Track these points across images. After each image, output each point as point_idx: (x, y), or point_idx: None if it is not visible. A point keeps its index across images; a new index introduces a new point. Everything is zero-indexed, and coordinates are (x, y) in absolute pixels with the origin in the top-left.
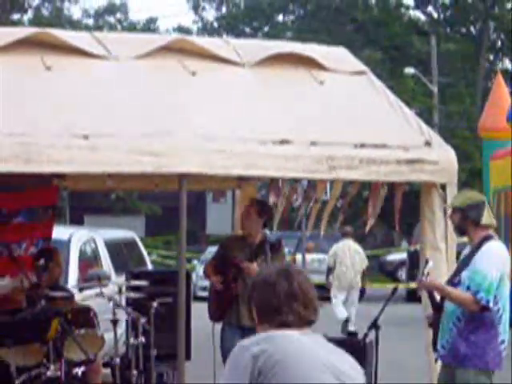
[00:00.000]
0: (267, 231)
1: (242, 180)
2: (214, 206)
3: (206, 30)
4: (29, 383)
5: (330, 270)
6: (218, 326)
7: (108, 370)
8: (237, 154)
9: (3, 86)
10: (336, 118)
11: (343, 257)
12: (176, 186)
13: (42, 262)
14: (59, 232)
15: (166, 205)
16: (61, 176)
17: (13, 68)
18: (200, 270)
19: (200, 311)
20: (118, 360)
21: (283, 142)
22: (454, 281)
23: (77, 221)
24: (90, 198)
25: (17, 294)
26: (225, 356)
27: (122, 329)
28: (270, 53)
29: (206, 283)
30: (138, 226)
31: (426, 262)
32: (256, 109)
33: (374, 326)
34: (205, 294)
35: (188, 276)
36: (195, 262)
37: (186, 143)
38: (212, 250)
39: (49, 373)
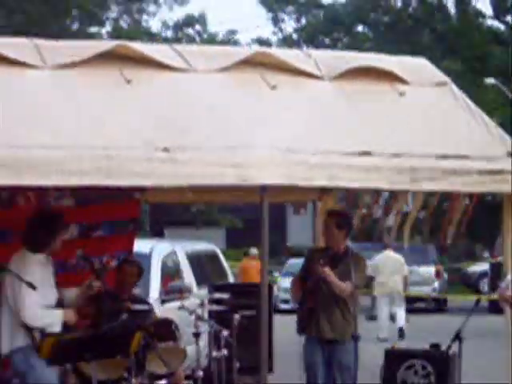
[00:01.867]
0: (349, 242)
1: (323, 192)
2: (295, 218)
3: (286, 41)
4: None
5: (371, 279)
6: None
7: (190, 383)
8: (318, 165)
9: (84, 99)
10: (417, 130)
11: (383, 267)
12: (257, 198)
13: (100, 266)
14: (141, 245)
15: (246, 217)
16: (142, 189)
17: (93, 82)
18: (281, 282)
19: (281, 324)
20: (200, 373)
21: (365, 153)
22: None
23: (157, 233)
24: (170, 210)
25: (95, 308)
26: (307, 369)
27: (204, 341)
28: (350, 66)
29: (288, 296)
30: (219, 238)
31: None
32: (337, 121)
33: (457, 337)
34: (286, 306)
35: (270, 288)
36: (276, 274)
37: (268, 155)
38: (293, 262)
39: None
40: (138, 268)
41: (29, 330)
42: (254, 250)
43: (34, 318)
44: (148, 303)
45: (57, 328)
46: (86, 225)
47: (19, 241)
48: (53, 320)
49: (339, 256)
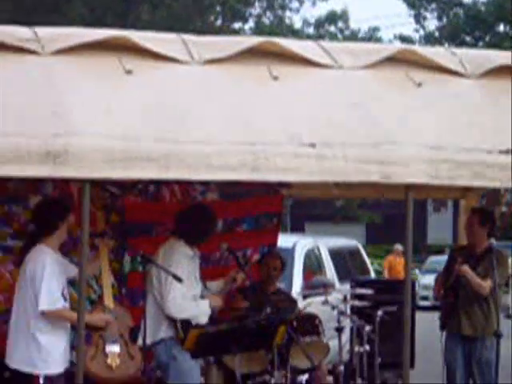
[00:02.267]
0: (493, 240)
1: (467, 190)
2: (435, 216)
3: (428, 39)
4: None
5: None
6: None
7: (331, 378)
8: (463, 163)
9: (231, 95)
10: None
11: None
12: (401, 195)
13: (241, 257)
14: (284, 240)
15: (386, 213)
16: (287, 184)
17: (240, 77)
18: (421, 279)
19: (420, 321)
20: (341, 368)
21: (508, 152)
22: None
23: (298, 228)
24: (311, 206)
25: (239, 301)
26: (447, 365)
27: (346, 337)
28: (494, 64)
29: (427, 293)
30: (358, 234)
31: None
32: (481, 119)
33: None
34: (425, 303)
35: (413, 285)
36: (417, 271)
37: (413, 153)
38: (433, 259)
39: (273, 380)
40: (280, 261)
41: (172, 321)
42: (399, 246)
43: (178, 309)
44: (292, 297)
45: (203, 319)
46: (230, 219)
47: (163, 234)
48: (198, 311)
49: (481, 253)
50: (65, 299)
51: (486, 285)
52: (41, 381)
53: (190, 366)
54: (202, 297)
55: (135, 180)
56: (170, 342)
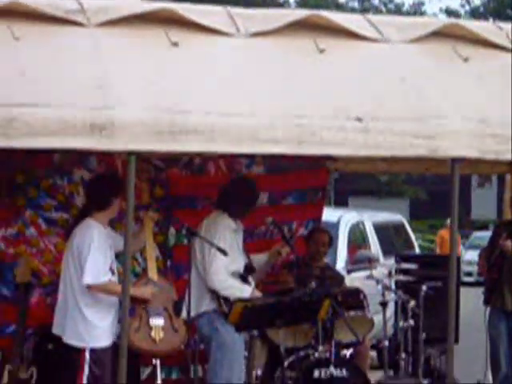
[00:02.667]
0: None
1: None
2: (479, 191)
3: (473, 13)
4: (297, 364)
5: None
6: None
7: (375, 353)
8: (510, 138)
9: (277, 68)
10: None
11: None
12: (446, 170)
13: (287, 231)
14: (328, 214)
15: (430, 188)
16: (333, 158)
17: (286, 50)
18: (465, 255)
19: (464, 296)
20: (386, 343)
21: None
22: None
23: (341, 203)
24: (354, 180)
25: (285, 275)
26: (491, 340)
27: (390, 311)
28: None
29: (471, 269)
30: (402, 209)
31: None
32: None
33: None
34: (469, 279)
35: (458, 260)
36: (460, 247)
37: (460, 127)
38: (477, 235)
39: (317, 354)
40: (329, 237)
41: (215, 294)
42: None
43: (220, 284)
44: (339, 273)
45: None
46: (275, 193)
47: (207, 208)
48: (240, 293)
49: None
50: (112, 273)
51: None
52: (87, 354)
53: (233, 339)
54: (249, 269)
55: (180, 154)
56: (212, 315)
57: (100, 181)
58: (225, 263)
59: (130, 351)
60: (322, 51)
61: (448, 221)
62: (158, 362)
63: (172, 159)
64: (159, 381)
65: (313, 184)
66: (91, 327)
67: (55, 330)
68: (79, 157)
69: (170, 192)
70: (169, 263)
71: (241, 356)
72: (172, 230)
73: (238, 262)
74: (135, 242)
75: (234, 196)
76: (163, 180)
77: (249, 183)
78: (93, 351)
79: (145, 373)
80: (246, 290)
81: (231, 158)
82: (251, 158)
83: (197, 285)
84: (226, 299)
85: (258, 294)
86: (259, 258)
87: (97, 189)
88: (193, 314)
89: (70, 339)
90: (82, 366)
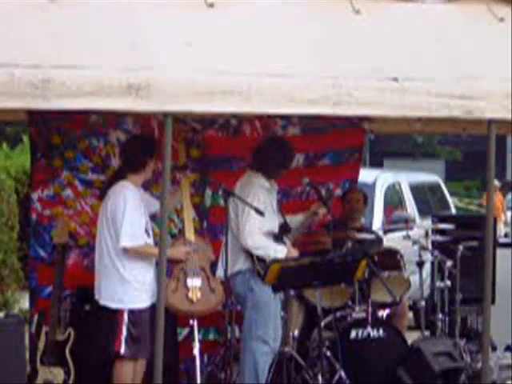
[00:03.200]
0: None
1: None
2: None
3: None
4: (334, 324)
5: None
6: None
7: (411, 313)
8: None
9: (312, 29)
10: None
11: None
12: (482, 130)
13: (325, 192)
14: (364, 175)
15: (466, 150)
16: (368, 118)
17: (321, 11)
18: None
19: (501, 257)
20: (422, 303)
21: None
22: None
23: (376, 164)
24: (389, 141)
25: (322, 235)
26: None
27: (427, 272)
28: None
29: (508, 230)
30: (438, 171)
31: None
32: None
33: None
34: (506, 240)
35: (494, 221)
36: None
37: (496, 88)
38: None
39: (354, 314)
40: (363, 196)
41: (249, 254)
42: (497, 182)
43: (254, 244)
44: (376, 234)
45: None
46: (311, 154)
47: (243, 169)
48: (274, 254)
49: None
50: (148, 235)
51: None
52: (125, 315)
53: (268, 299)
54: (284, 228)
55: (216, 115)
56: (247, 274)
57: (135, 142)
58: (259, 223)
59: (167, 312)
60: (357, 12)
61: (496, 182)
62: (196, 322)
63: (208, 121)
64: (197, 341)
65: (349, 145)
66: (129, 288)
67: (97, 296)
68: (115, 118)
69: (206, 153)
70: (205, 224)
71: (276, 315)
72: (208, 191)
73: (273, 222)
74: (170, 201)
75: (267, 156)
76: (199, 141)
77: (282, 143)
78: (131, 312)
79: (182, 334)
80: (280, 250)
81: (267, 119)
82: (287, 119)
83: (232, 244)
84: (261, 259)
85: (295, 252)
86: (297, 219)
87: (132, 151)
88: (228, 272)
89: (108, 301)
90: (121, 327)
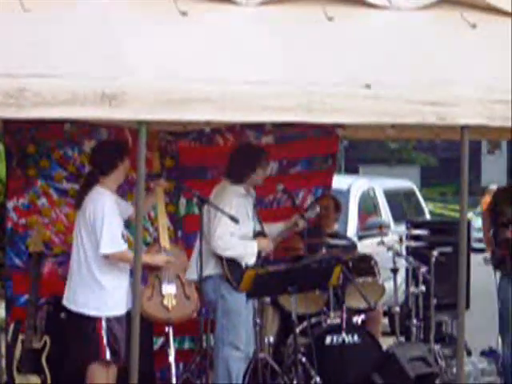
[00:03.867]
0: None
1: None
2: (489, 158)
3: None
4: (309, 330)
5: None
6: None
7: (386, 319)
8: None
9: (285, 36)
10: None
11: None
12: (456, 136)
13: (309, 203)
14: (339, 181)
15: (441, 156)
16: (341, 125)
17: (294, 19)
18: (475, 221)
19: (476, 262)
20: (397, 309)
21: None
22: None
23: (352, 170)
24: (365, 148)
25: (296, 241)
26: (501, 305)
27: (401, 277)
28: None
29: (482, 235)
30: (413, 177)
31: None
32: None
33: None
34: (480, 245)
35: (469, 226)
36: (471, 213)
37: (469, 94)
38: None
39: (329, 320)
40: (334, 202)
41: (219, 258)
42: (494, 186)
43: (223, 246)
44: (349, 239)
45: (250, 260)
46: (284, 161)
47: (217, 177)
48: (244, 251)
49: None
50: (125, 241)
51: None
52: (103, 323)
53: (239, 305)
54: (257, 235)
55: (190, 123)
56: (217, 280)
57: (103, 146)
58: (231, 228)
59: (142, 321)
60: (330, 19)
61: (491, 186)
62: (171, 329)
63: (181, 133)
64: (172, 348)
65: (322, 151)
66: (108, 296)
67: (65, 302)
68: (89, 128)
69: (180, 163)
70: (180, 233)
71: (247, 321)
72: (182, 200)
73: (247, 228)
74: (144, 205)
75: (235, 161)
76: (173, 151)
77: (250, 147)
78: (109, 320)
79: (157, 343)
80: (250, 246)
81: (240, 131)
82: (260, 129)
83: (204, 250)
84: (232, 264)
85: (266, 243)
86: (276, 228)
87: (101, 153)
88: (198, 276)
89: (84, 308)
90: (100, 334)
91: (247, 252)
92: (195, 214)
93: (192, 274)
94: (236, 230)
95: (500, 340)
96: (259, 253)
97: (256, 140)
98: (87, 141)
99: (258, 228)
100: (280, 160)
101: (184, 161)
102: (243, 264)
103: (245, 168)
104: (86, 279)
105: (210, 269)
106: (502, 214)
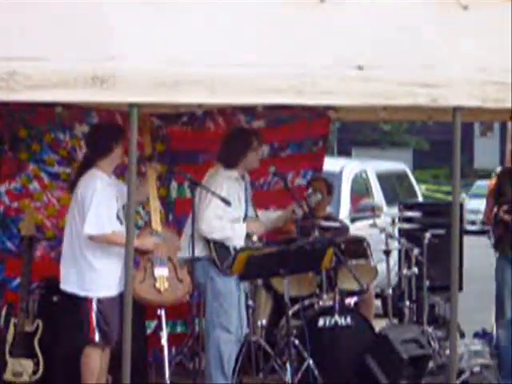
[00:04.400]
0: None
1: None
2: (481, 140)
3: None
4: (302, 313)
5: None
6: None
7: (379, 301)
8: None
9: (276, 17)
10: None
11: None
12: (449, 118)
13: (310, 191)
14: (331, 164)
15: (434, 138)
16: (333, 107)
17: (286, 0)
18: (468, 203)
19: (468, 245)
20: (390, 291)
21: None
22: None
23: (344, 153)
24: (357, 130)
25: (289, 224)
26: (498, 287)
27: (394, 260)
28: None
29: (474, 217)
30: (406, 160)
31: None
32: None
33: None
34: (473, 227)
35: (461, 208)
36: (463, 195)
37: (461, 75)
38: (480, 184)
39: (321, 302)
40: (326, 185)
41: (207, 241)
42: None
43: (209, 229)
44: (342, 222)
45: (238, 242)
46: (276, 145)
47: (208, 161)
48: (232, 233)
49: None
50: (121, 222)
51: None
52: (93, 304)
53: (229, 287)
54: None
55: (181, 105)
56: (206, 263)
57: (99, 128)
58: (220, 211)
59: (135, 303)
60: (322, 1)
61: (498, 168)
62: (163, 312)
63: (172, 117)
64: (165, 331)
65: (314, 134)
66: (99, 277)
67: (63, 285)
68: (80, 112)
69: (171, 147)
70: (171, 217)
71: (238, 304)
72: (174, 184)
73: (237, 211)
74: (138, 194)
75: (227, 145)
76: (164, 136)
77: (242, 131)
78: (99, 301)
79: (150, 327)
80: (238, 228)
81: (230, 117)
82: (251, 113)
83: (191, 231)
84: (219, 246)
85: (256, 226)
86: (274, 215)
87: (97, 136)
88: (188, 256)
89: (76, 288)
90: (91, 315)
91: (235, 235)
92: (186, 198)
93: (185, 255)
94: (226, 213)
95: (494, 322)
96: (249, 236)
97: (247, 124)
98: (78, 125)
99: (251, 212)
100: (271, 143)
101: (175, 145)
102: (231, 247)
103: (237, 152)
104: (78, 259)
105: (199, 251)
106: (504, 195)
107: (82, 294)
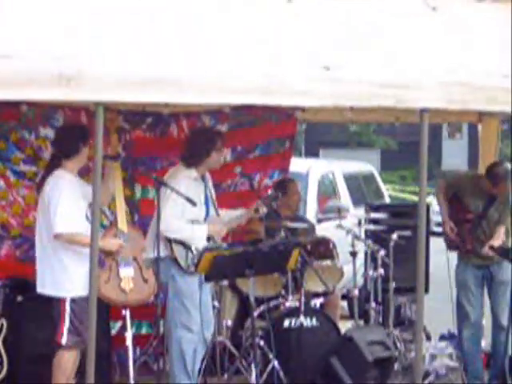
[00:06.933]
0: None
1: (483, 114)
2: (450, 142)
3: None
4: (267, 314)
5: None
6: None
7: (345, 303)
8: (478, 88)
9: (243, 16)
10: None
11: None
12: (416, 119)
13: (271, 192)
14: (298, 164)
15: (401, 139)
16: (300, 107)
17: (254, 0)
18: (435, 205)
19: (435, 246)
20: (356, 292)
21: None
22: None
23: (312, 154)
24: (325, 131)
25: (255, 224)
26: (459, 289)
27: (360, 261)
28: None
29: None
30: (374, 160)
31: None
32: (497, 43)
33: None
34: (440, 229)
35: (428, 209)
36: (431, 197)
37: (428, 77)
38: None
39: (287, 303)
40: (294, 185)
41: (168, 241)
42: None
43: (169, 229)
44: (308, 221)
45: (198, 243)
46: (240, 148)
47: (166, 168)
48: (192, 235)
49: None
50: (89, 223)
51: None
52: (67, 304)
53: (190, 286)
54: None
55: (147, 104)
56: (168, 262)
57: (67, 129)
58: (180, 211)
59: (100, 304)
60: (289, 1)
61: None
62: (128, 312)
63: (138, 119)
64: (129, 331)
65: (280, 135)
66: (71, 276)
67: (40, 288)
68: (45, 114)
69: (133, 153)
70: (136, 217)
71: (205, 305)
72: (137, 185)
73: (197, 212)
74: (104, 191)
75: (190, 145)
76: (127, 142)
77: (205, 131)
78: (73, 301)
79: (115, 328)
80: (199, 229)
81: (195, 119)
82: (216, 116)
83: (154, 230)
84: (180, 246)
85: (218, 227)
86: (235, 214)
87: (64, 137)
88: (149, 257)
89: (51, 290)
90: (63, 317)
91: (195, 235)
92: (150, 199)
93: (148, 255)
94: (186, 213)
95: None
96: (209, 238)
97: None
98: (42, 128)
99: (213, 212)
100: (235, 147)
101: (136, 151)
102: (193, 247)
103: (201, 151)
104: (51, 260)
105: (161, 250)
106: (464, 204)
107: (55, 294)
